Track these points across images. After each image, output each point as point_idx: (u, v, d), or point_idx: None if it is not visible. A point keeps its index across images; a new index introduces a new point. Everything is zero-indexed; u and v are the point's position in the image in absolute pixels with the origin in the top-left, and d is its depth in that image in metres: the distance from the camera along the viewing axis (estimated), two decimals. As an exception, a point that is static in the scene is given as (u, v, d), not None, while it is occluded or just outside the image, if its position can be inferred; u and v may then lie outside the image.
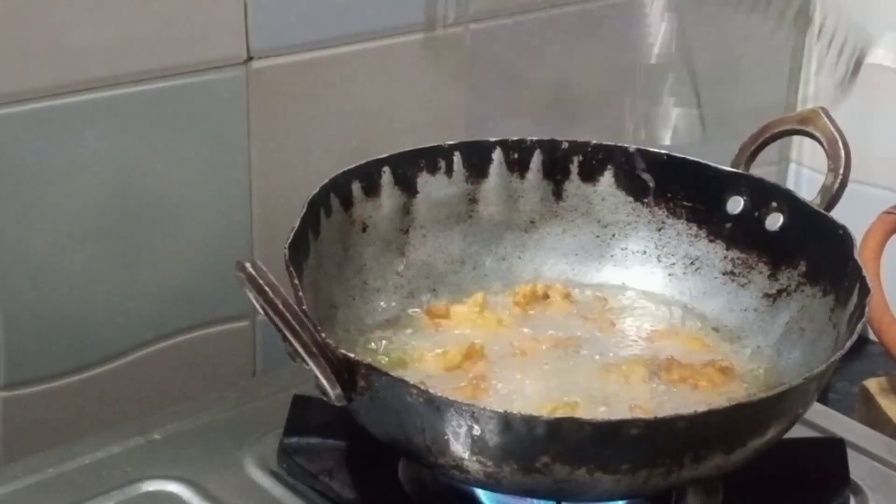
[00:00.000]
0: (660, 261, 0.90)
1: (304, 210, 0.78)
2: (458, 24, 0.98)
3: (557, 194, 0.90)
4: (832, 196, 0.83)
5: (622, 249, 0.90)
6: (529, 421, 0.65)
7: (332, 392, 0.68)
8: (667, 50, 1.11)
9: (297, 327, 0.66)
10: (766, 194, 0.86)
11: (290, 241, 0.75)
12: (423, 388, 0.66)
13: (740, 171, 0.87)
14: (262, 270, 0.65)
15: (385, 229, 0.86)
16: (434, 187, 0.87)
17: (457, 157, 0.88)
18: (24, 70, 0.79)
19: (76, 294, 0.85)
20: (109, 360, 0.88)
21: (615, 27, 1.08)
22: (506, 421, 0.65)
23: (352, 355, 0.68)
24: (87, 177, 0.84)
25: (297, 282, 0.72)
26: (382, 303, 0.85)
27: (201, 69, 0.86)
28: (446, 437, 0.66)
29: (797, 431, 0.80)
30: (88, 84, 0.82)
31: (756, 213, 0.86)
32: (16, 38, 0.78)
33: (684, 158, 0.88)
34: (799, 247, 0.84)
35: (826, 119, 0.84)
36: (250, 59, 0.88)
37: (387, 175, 0.85)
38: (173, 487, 0.77)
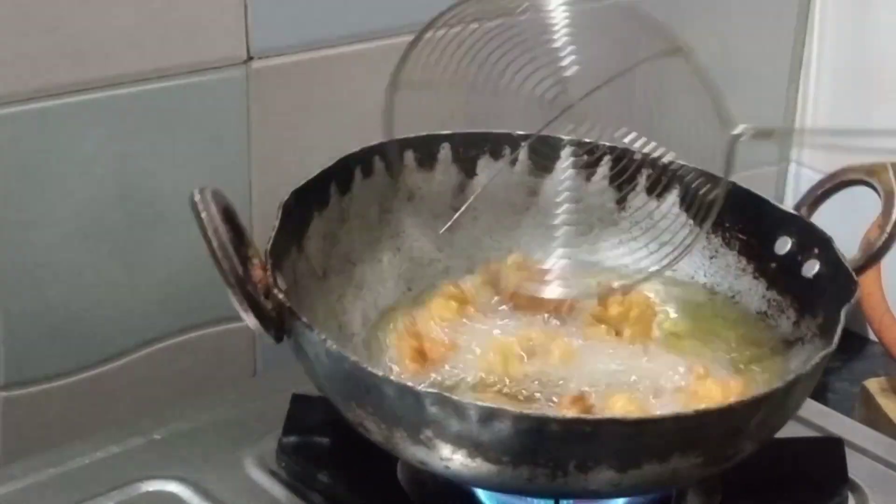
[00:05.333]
0: (705, 288, 0.87)
1: (334, 164, 0.79)
2: (457, 24, 0.98)
3: (620, 203, 0.88)
4: (874, 253, 0.80)
5: (672, 271, 0.86)
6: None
7: (249, 321, 0.68)
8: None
9: (220, 255, 0.68)
10: (811, 239, 0.82)
11: (302, 184, 0.77)
12: (327, 342, 0.67)
13: (798, 213, 0.84)
14: (208, 201, 0.68)
15: (434, 203, 0.85)
16: (495, 172, 0.86)
17: (524, 148, 0.86)
18: (24, 70, 0.79)
19: (76, 294, 0.85)
20: (109, 360, 0.88)
21: (615, 27, 1.08)
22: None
23: (275, 291, 0.68)
24: (87, 177, 0.84)
25: (276, 222, 0.74)
26: (411, 274, 0.85)
27: (201, 69, 0.86)
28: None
29: (797, 431, 0.81)
30: (88, 84, 0.82)
31: (798, 257, 0.83)
32: (16, 38, 0.78)
33: (748, 190, 0.85)
34: (822, 298, 0.80)
35: (891, 174, 0.81)
36: (250, 59, 0.88)
37: (445, 151, 0.85)
38: (173, 487, 0.77)
